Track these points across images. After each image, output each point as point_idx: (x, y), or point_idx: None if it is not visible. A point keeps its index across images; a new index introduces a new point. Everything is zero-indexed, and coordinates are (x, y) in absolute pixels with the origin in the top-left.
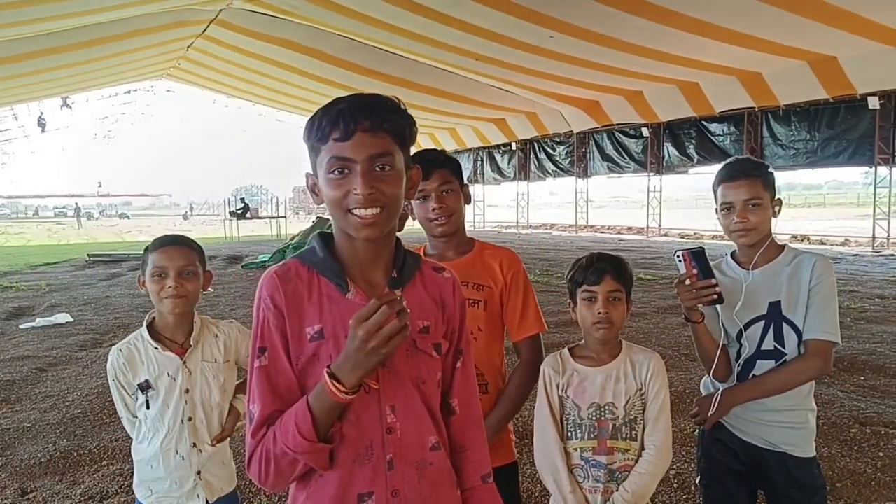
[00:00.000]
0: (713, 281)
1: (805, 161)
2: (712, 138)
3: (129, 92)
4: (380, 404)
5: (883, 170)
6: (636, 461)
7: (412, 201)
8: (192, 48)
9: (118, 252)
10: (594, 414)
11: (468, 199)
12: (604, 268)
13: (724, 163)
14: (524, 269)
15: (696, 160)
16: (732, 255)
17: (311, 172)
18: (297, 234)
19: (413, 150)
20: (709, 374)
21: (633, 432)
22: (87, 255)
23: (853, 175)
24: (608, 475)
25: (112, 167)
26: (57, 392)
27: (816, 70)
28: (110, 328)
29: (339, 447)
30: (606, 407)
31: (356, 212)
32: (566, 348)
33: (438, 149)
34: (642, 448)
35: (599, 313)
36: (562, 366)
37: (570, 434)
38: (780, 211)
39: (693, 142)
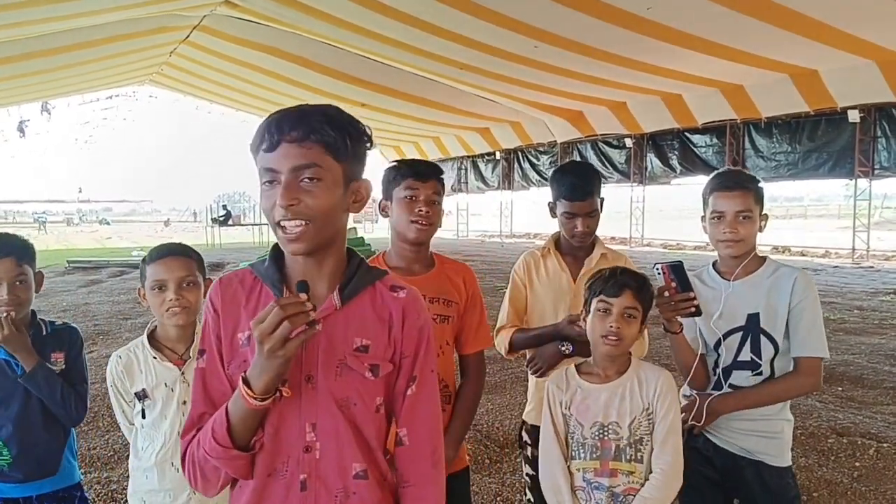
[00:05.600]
0: (692, 294)
1: (786, 173)
2: (695, 150)
3: (111, 97)
4: (300, 419)
5: (863, 182)
6: (642, 485)
7: (396, 197)
8: (175, 54)
9: (98, 258)
10: (597, 433)
11: (440, 221)
12: (625, 282)
13: (716, 172)
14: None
15: (678, 171)
16: (714, 264)
17: None
18: None
19: (393, 159)
20: (687, 383)
21: (639, 454)
22: (67, 261)
23: (834, 187)
24: (611, 498)
25: (93, 173)
26: None
27: (798, 83)
28: (89, 335)
29: (258, 458)
30: (610, 426)
31: (282, 224)
32: (573, 365)
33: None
34: (650, 471)
35: (611, 327)
36: (566, 382)
37: (573, 454)
38: (766, 226)
39: (676, 153)
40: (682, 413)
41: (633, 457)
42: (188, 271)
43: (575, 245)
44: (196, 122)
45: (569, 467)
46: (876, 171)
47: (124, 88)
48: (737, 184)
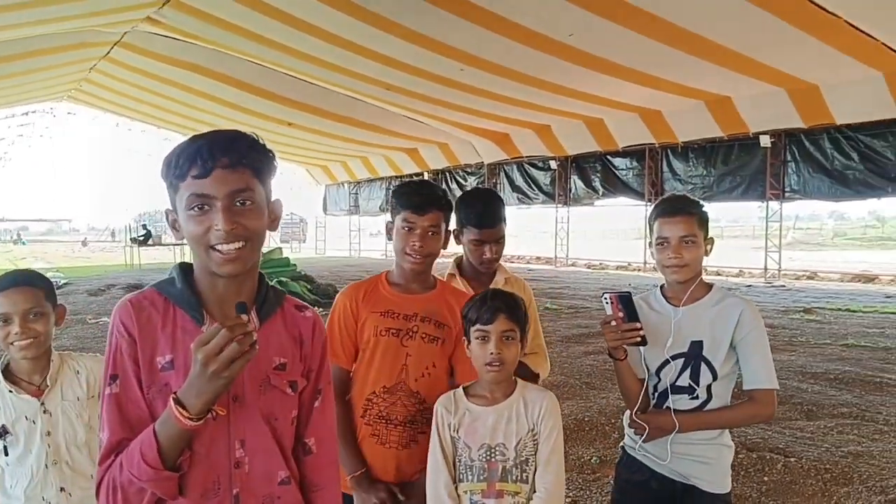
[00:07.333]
0: (638, 325)
1: (702, 195)
2: (616, 172)
3: (27, 114)
4: (228, 438)
5: (774, 204)
6: None
7: (395, 225)
8: (94, 70)
9: None
10: (484, 455)
11: (446, 244)
12: (498, 306)
13: (661, 198)
14: None
15: (601, 193)
16: (661, 288)
17: (171, 209)
18: None
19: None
20: (630, 408)
21: (525, 474)
22: None
23: (749, 209)
24: None
25: (8, 191)
26: None
27: (712, 109)
28: None
29: (187, 479)
30: (497, 448)
31: (218, 247)
32: (461, 387)
33: (442, 187)
34: (534, 491)
35: (492, 353)
36: (454, 405)
37: (461, 476)
38: (711, 250)
39: (598, 175)
40: (640, 422)
41: (518, 477)
42: (34, 303)
43: (481, 271)
44: (116, 140)
45: (456, 489)
46: (786, 194)
47: (41, 105)
48: (679, 209)
